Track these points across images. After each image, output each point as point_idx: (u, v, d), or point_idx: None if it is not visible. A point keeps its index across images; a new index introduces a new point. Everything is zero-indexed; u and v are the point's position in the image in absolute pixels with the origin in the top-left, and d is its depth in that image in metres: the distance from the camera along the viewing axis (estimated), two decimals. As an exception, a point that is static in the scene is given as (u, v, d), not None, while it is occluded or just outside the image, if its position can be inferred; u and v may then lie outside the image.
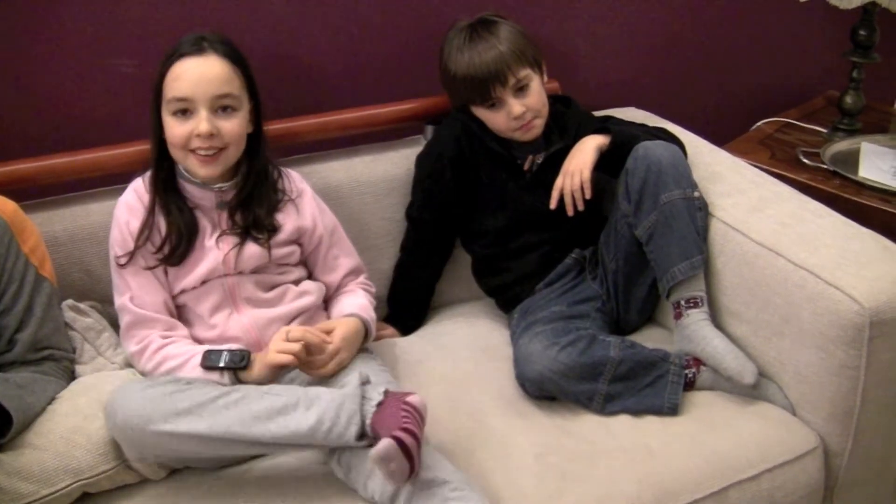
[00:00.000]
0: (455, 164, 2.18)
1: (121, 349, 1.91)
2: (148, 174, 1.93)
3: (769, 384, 1.97)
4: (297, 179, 2.05)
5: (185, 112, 1.84)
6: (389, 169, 2.30)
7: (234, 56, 1.88)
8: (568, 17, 2.60)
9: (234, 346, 1.84)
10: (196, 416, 1.62)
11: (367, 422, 1.65)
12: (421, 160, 2.24)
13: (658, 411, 1.92)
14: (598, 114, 2.37)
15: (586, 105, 2.35)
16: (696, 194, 2.05)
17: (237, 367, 1.80)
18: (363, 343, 1.94)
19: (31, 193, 2.03)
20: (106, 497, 1.73)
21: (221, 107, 1.85)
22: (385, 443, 1.56)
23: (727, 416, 1.92)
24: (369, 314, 1.98)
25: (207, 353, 1.81)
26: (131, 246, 1.89)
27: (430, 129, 2.36)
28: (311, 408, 1.66)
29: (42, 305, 1.80)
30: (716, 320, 2.04)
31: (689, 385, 1.97)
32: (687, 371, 1.97)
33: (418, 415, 1.66)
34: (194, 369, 1.80)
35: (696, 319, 1.99)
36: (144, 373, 1.85)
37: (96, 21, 2.07)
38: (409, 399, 1.68)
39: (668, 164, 2.03)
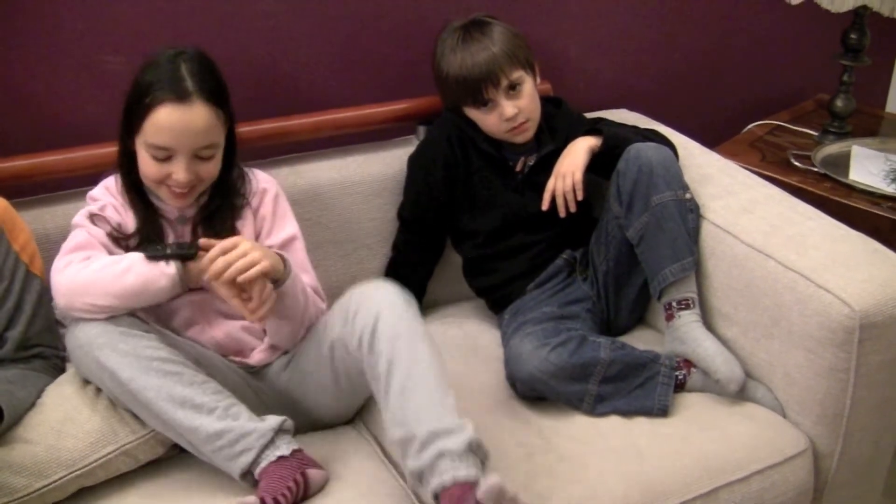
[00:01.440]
0: (446, 166, 2.18)
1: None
2: (113, 177, 1.91)
3: (758, 386, 1.97)
4: (262, 180, 1.97)
5: (164, 158, 1.78)
6: (381, 169, 2.30)
7: (217, 96, 1.80)
8: (560, 18, 2.60)
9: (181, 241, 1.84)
10: (126, 363, 1.65)
11: (259, 468, 1.67)
12: (412, 161, 2.25)
13: (648, 412, 1.92)
14: (589, 115, 2.37)
15: (578, 107, 2.35)
16: (688, 196, 2.06)
17: (185, 255, 1.77)
18: (281, 276, 1.79)
19: (23, 191, 2.02)
20: (100, 492, 1.73)
21: (200, 155, 1.80)
22: (251, 500, 1.60)
23: (717, 418, 1.92)
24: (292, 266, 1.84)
25: (152, 246, 1.79)
26: (105, 227, 1.84)
27: (422, 130, 2.36)
28: (222, 420, 1.67)
29: (32, 303, 1.80)
30: (706, 322, 2.04)
31: (680, 387, 1.98)
32: (677, 373, 1.97)
33: (305, 490, 1.69)
34: (135, 265, 1.73)
35: (688, 321, 2.00)
36: (59, 284, 1.74)
37: (87, 18, 2.07)
38: (310, 472, 1.70)
39: (660, 166, 2.03)
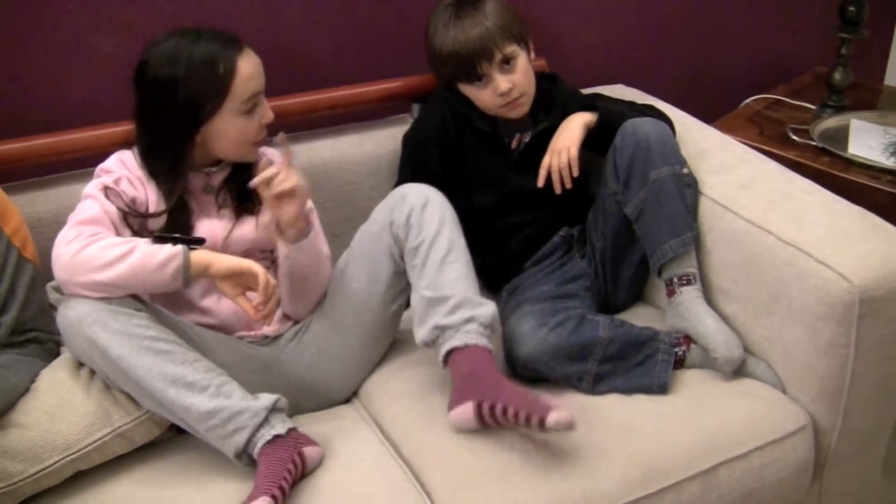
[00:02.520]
0: (440, 144, 2.17)
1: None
2: (129, 151, 1.90)
3: (758, 362, 1.96)
4: (270, 152, 2.02)
5: (252, 108, 1.86)
6: (376, 148, 2.30)
7: None
8: (555, -7, 2.58)
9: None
10: (116, 341, 1.64)
11: (256, 448, 1.67)
12: (406, 139, 2.23)
13: (648, 390, 1.91)
14: (586, 91, 2.35)
15: (574, 83, 2.34)
16: (685, 171, 2.05)
17: (192, 240, 1.81)
18: (305, 229, 1.86)
19: (14, 175, 2.01)
20: (96, 475, 1.72)
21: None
22: (263, 501, 1.58)
23: (717, 395, 1.91)
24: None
25: (159, 235, 1.81)
26: (118, 201, 1.83)
27: (416, 108, 2.35)
28: (215, 399, 1.67)
29: (25, 288, 1.79)
30: (705, 298, 2.03)
31: (679, 363, 1.97)
32: (677, 349, 1.96)
33: (302, 468, 1.69)
34: (142, 246, 1.71)
35: (690, 297, 1.99)
36: (63, 255, 1.70)
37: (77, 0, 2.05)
38: (306, 450, 1.71)
39: (657, 141, 2.02)
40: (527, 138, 2.20)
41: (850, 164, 2.44)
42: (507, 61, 2.11)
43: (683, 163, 2.05)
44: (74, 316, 1.67)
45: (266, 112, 1.89)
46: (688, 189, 2.04)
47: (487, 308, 1.82)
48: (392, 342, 2.05)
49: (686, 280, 2.00)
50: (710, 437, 1.82)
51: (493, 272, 2.22)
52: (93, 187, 1.83)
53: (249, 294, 1.77)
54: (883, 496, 2.22)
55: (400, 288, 1.93)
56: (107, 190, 1.82)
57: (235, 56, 1.82)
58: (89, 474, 1.72)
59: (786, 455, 1.86)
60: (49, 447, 1.64)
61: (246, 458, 1.69)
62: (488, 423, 1.74)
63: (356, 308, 1.94)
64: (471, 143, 2.18)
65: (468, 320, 1.78)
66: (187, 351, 1.70)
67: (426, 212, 1.85)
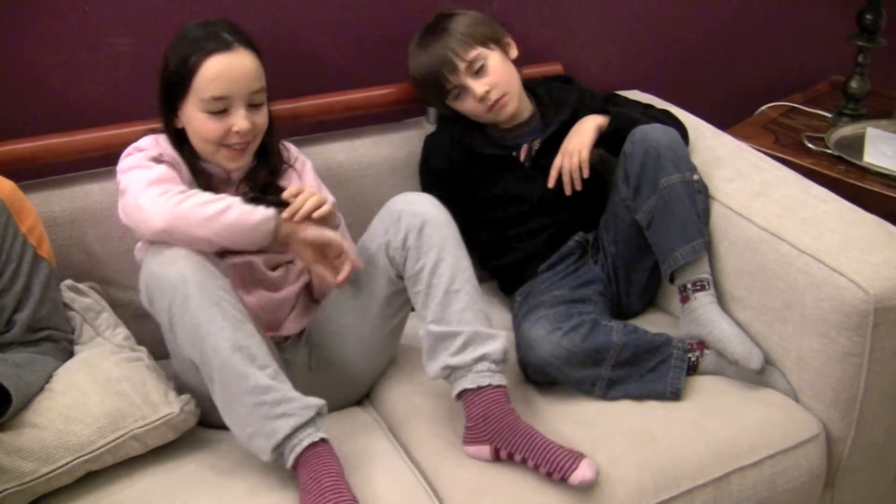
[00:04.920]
0: (452, 175, 2.21)
1: (120, 329, 1.90)
2: (161, 135, 1.91)
3: (772, 370, 1.96)
4: (295, 151, 2.04)
5: (221, 110, 1.83)
6: (392, 150, 2.30)
7: (255, 47, 1.87)
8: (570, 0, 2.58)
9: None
10: (201, 294, 1.64)
11: (292, 454, 1.63)
12: (420, 174, 2.28)
13: (660, 396, 1.91)
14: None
15: (590, 88, 2.33)
16: (696, 177, 2.04)
17: (280, 202, 1.79)
18: (334, 225, 1.88)
19: (30, 173, 2.02)
20: (109, 475, 1.72)
21: (253, 102, 1.86)
22: None
23: (729, 402, 1.91)
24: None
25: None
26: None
27: (432, 111, 2.35)
28: (272, 380, 1.64)
29: (40, 286, 1.80)
30: (719, 305, 2.03)
31: (692, 369, 1.96)
32: (690, 355, 1.96)
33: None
34: (236, 204, 1.74)
35: (705, 303, 1.98)
36: (162, 207, 1.71)
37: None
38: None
39: (666, 148, 2.02)
40: (536, 145, 2.20)
41: (866, 172, 2.43)
42: (477, 67, 2.13)
43: (694, 169, 2.05)
44: (170, 255, 1.66)
45: (238, 121, 1.83)
46: (698, 195, 2.04)
47: (498, 342, 1.77)
48: (406, 348, 2.04)
49: (700, 286, 2.00)
50: (722, 444, 1.82)
51: (508, 273, 2.22)
52: (137, 160, 1.82)
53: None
54: (895, 506, 2.22)
55: (399, 304, 1.90)
56: (157, 160, 1.83)
57: (210, 52, 1.80)
58: (102, 474, 1.71)
59: (798, 464, 1.86)
60: (62, 447, 1.64)
61: (278, 455, 1.64)
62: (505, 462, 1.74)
63: (354, 322, 1.92)
64: (480, 167, 2.21)
65: (479, 359, 1.74)
66: (255, 329, 1.70)
67: (424, 234, 1.79)
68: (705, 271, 2.01)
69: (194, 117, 1.84)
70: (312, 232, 1.79)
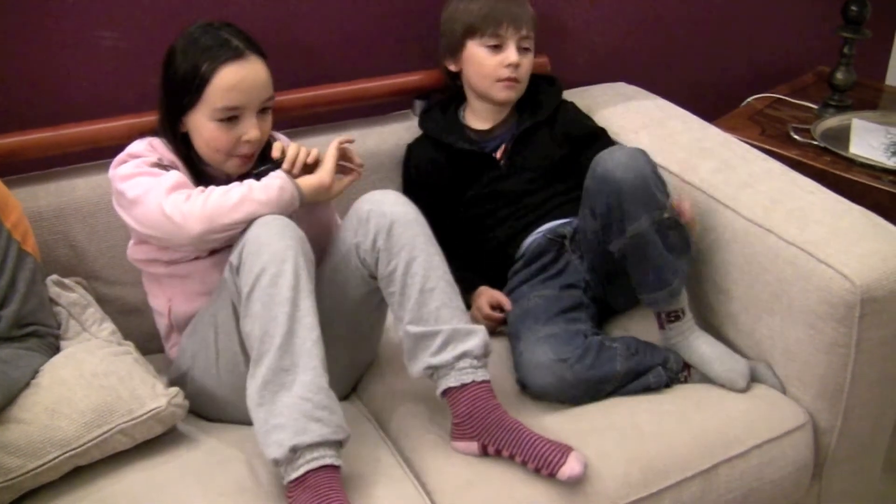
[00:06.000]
0: (433, 181, 2.23)
1: (106, 324, 1.90)
2: (156, 138, 1.90)
3: (758, 363, 1.96)
4: (285, 140, 2.04)
5: (231, 119, 1.82)
6: (377, 144, 2.30)
7: (263, 52, 1.87)
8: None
9: None
10: (295, 269, 1.65)
11: (307, 466, 1.58)
12: (404, 185, 2.30)
13: (647, 389, 1.92)
14: (587, 88, 2.35)
15: (575, 80, 2.35)
16: (665, 215, 1.91)
17: (277, 163, 1.82)
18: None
19: (15, 168, 2.01)
20: (96, 470, 1.71)
21: (263, 109, 1.86)
22: None
23: (716, 395, 1.91)
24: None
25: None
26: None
27: (418, 104, 2.35)
28: (328, 386, 1.64)
29: (25, 281, 1.79)
30: (705, 298, 2.04)
31: (683, 383, 1.98)
32: (681, 375, 1.97)
33: None
34: (251, 182, 1.77)
35: (679, 332, 1.97)
36: (193, 210, 1.72)
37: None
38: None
39: (631, 189, 1.89)
40: (510, 144, 2.22)
41: (852, 163, 2.44)
42: (524, 45, 2.17)
43: (663, 206, 1.91)
44: (279, 232, 1.67)
45: (249, 130, 1.83)
46: (670, 231, 1.93)
47: (477, 337, 1.74)
48: (392, 341, 2.02)
49: (674, 316, 1.97)
50: (709, 436, 1.82)
51: (488, 264, 2.21)
52: (137, 166, 1.81)
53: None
54: (883, 496, 2.23)
55: (376, 302, 1.87)
56: (159, 166, 1.83)
57: (223, 61, 1.79)
58: (89, 470, 1.71)
59: (785, 454, 1.86)
60: (48, 443, 1.63)
61: (290, 457, 1.59)
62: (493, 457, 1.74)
63: (331, 322, 1.83)
64: (460, 169, 2.21)
65: (460, 357, 1.72)
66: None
67: (393, 235, 1.75)
68: (681, 303, 1.97)
69: (203, 126, 1.83)
70: (339, 186, 1.86)
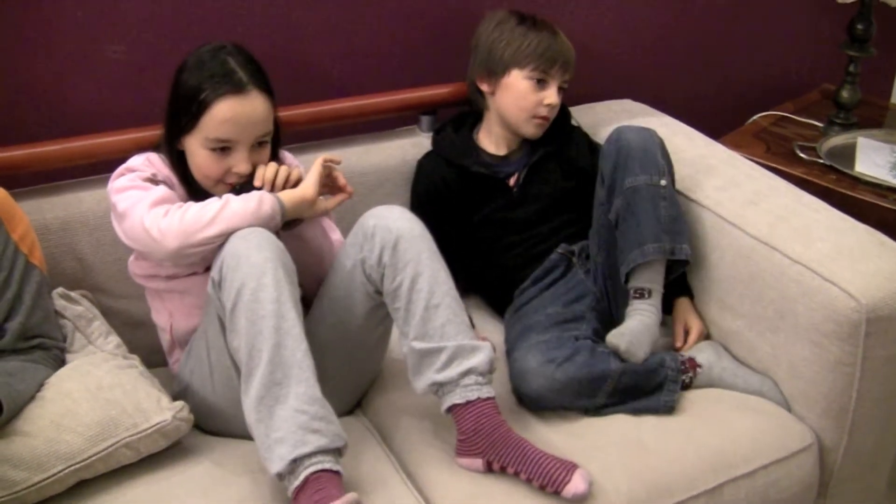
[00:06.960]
0: (442, 198, 2.22)
1: (112, 337, 1.89)
2: (155, 153, 1.91)
3: (764, 380, 1.96)
4: (291, 158, 2.04)
5: (224, 149, 1.82)
6: (383, 159, 2.29)
7: (266, 84, 1.86)
8: (563, 8, 2.58)
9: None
10: (278, 284, 1.64)
11: (306, 472, 1.59)
12: (412, 205, 2.27)
13: (654, 412, 1.90)
14: (592, 105, 2.36)
15: (582, 97, 2.34)
16: (663, 182, 2.00)
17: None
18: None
19: (21, 181, 2.01)
20: (101, 484, 1.71)
21: (260, 141, 1.86)
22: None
23: (722, 412, 1.91)
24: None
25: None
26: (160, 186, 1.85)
27: (424, 120, 2.35)
28: (322, 396, 1.65)
29: (32, 294, 1.79)
30: (710, 314, 2.04)
31: (686, 387, 1.96)
32: (684, 376, 1.95)
33: None
34: (230, 197, 1.76)
35: (635, 308, 1.97)
36: (171, 226, 1.72)
37: (87, 6, 2.05)
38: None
39: (637, 149, 2.02)
40: (524, 172, 2.23)
41: (857, 181, 2.44)
42: (563, 86, 2.20)
43: (663, 173, 2.02)
44: (258, 246, 1.67)
45: (239, 163, 1.82)
46: (662, 201, 1.99)
47: (482, 354, 1.74)
48: (397, 356, 2.02)
49: (639, 293, 1.98)
50: (715, 455, 1.82)
51: (493, 287, 2.22)
52: (130, 181, 1.82)
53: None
54: (887, 514, 2.22)
55: (381, 317, 1.87)
56: (151, 181, 1.83)
57: (222, 94, 1.78)
58: (93, 483, 1.70)
59: (790, 474, 1.86)
60: (53, 456, 1.63)
61: (292, 468, 1.59)
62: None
63: (336, 338, 1.88)
64: (472, 191, 2.21)
65: (465, 373, 1.72)
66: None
67: (398, 250, 1.75)
68: (654, 280, 1.98)
69: (196, 152, 1.84)
70: (326, 204, 1.87)
